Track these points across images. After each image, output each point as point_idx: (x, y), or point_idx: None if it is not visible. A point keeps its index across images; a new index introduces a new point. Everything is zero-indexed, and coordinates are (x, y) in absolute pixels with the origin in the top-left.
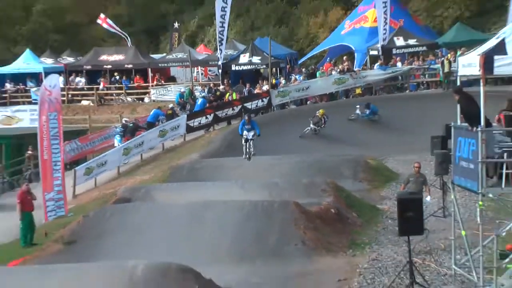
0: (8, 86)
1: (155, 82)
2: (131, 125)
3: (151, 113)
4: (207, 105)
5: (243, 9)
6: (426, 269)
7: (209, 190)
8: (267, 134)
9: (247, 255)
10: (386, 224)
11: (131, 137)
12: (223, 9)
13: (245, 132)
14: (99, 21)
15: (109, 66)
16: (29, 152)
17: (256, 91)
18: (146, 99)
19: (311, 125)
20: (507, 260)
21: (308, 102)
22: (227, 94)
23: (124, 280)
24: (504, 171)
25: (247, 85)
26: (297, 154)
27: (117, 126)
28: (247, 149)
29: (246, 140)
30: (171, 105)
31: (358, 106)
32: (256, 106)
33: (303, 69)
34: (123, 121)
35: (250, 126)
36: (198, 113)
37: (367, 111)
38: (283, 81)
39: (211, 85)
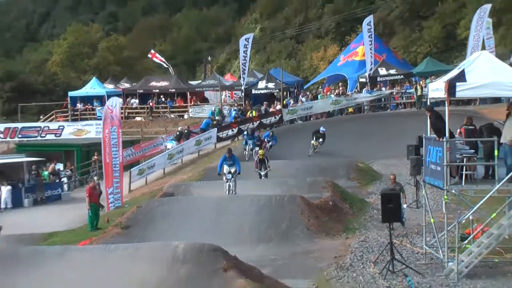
0: (79, 106)
1: (192, 103)
2: (186, 131)
3: (203, 122)
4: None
5: (261, 46)
6: (403, 249)
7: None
8: (279, 144)
9: (263, 237)
10: (372, 213)
11: (186, 140)
12: (245, 46)
13: (225, 168)
14: (149, 55)
15: (157, 90)
16: (95, 157)
17: (271, 110)
18: (186, 116)
19: (314, 140)
20: (466, 241)
21: (312, 118)
22: (248, 112)
23: (168, 257)
24: (464, 172)
25: (264, 105)
26: (302, 159)
27: (164, 137)
28: (230, 188)
29: (227, 180)
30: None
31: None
32: (270, 121)
33: (308, 93)
34: (179, 128)
35: (231, 162)
36: (226, 126)
37: (317, 141)
38: (292, 102)
39: (239, 106)
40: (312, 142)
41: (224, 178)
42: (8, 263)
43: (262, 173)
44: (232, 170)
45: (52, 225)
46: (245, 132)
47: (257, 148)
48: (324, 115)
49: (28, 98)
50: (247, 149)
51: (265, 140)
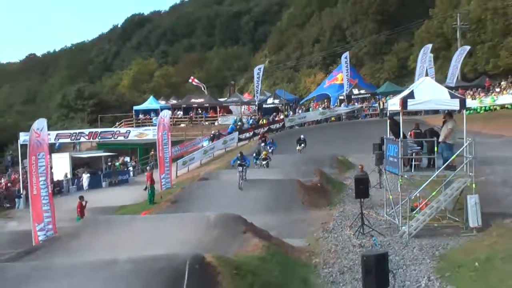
0: (140, 116)
1: (220, 114)
2: (217, 133)
3: (230, 127)
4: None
5: (269, 73)
6: (370, 217)
7: (251, 173)
8: (281, 143)
9: (271, 209)
10: (348, 192)
11: (217, 140)
12: (258, 73)
13: (237, 163)
14: (190, 80)
15: (195, 105)
16: (152, 152)
17: (276, 119)
18: (216, 123)
19: (297, 146)
20: (414, 212)
21: (305, 125)
22: (260, 120)
23: (203, 223)
24: (413, 163)
25: (272, 115)
26: (298, 154)
27: (201, 138)
28: (241, 175)
29: (239, 172)
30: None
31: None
32: (276, 126)
33: (302, 107)
34: (212, 132)
35: (243, 160)
36: (244, 130)
37: (300, 146)
38: (291, 113)
39: (254, 116)
40: (297, 148)
41: (237, 171)
42: (92, 229)
43: (264, 163)
44: (243, 163)
45: (122, 200)
46: (237, 156)
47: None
48: (314, 122)
49: (105, 111)
50: (240, 176)
51: (267, 146)
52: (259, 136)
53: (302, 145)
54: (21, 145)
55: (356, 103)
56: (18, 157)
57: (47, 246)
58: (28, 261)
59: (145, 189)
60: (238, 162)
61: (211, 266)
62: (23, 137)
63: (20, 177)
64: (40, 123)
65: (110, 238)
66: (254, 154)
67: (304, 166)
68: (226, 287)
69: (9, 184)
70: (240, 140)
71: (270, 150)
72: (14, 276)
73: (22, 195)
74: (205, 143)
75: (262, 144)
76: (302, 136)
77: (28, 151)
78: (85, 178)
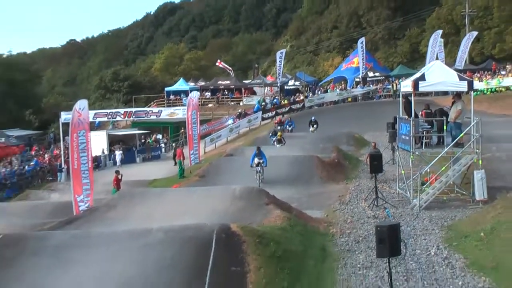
0: (171, 97)
1: (245, 95)
2: (242, 113)
3: (256, 106)
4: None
5: (290, 57)
6: (383, 190)
7: (274, 150)
8: (301, 122)
9: (292, 183)
10: (363, 168)
11: (243, 118)
12: (280, 57)
13: (255, 161)
14: (217, 63)
15: (222, 86)
16: (182, 130)
17: (297, 99)
18: (241, 103)
19: (310, 127)
20: (424, 186)
21: (324, 105)
22: (282, 100)
23: (230, 195)
24: (424, 140)
25: (293, 96)
26: (317, 132)
27: (227, 117)
28: (259, 178)
29: (257, 172)
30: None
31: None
32: (296, 106)
33: (321, 88)
34: (238, 111)
35: (260, 156)
36: (267, 110)
37: (313, 127)
38: (311, 94)
39: (276, 96)
40: (310, 129)
41: (255, 170)
42: (127, 200)
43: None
44: (260, 161)
45: (154, 174)
46: (255, 152)
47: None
48: (331, 103)
49: (138, 92)
50: (258, 176)
51: (286, 126)
52: (277, 120)
53: (315, 126)
54: (62, 123)
55: (371, 85)
56: (60, 134)
57: (86, 216)
58: (69, 230)
59: (175, 164)
60: (256, 160)
61: (237, 235)
62: (64, 116)
63: (62, 152)
64: (82, 103)
65: (143, 209)
66: (271, 134)
67: (322, 143)
68: (250, 254)
69: (51, 159)
70: (263, 119)
71: (289, 129)
72: (56, 244)
73: (63, 169)
74: (230, 122)
75: (279, 127)
76: (313, 118)
77: (70, 129)
78: (118, 154)
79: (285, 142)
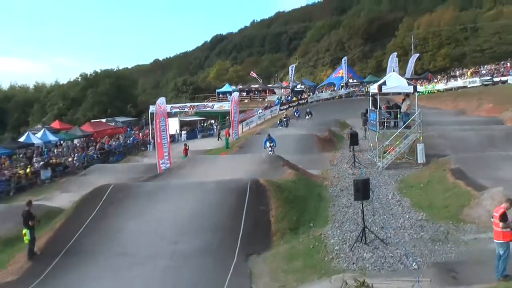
0: (220, 96)
1: (268, 94)
2: (268, 106)
3: (276, 101)
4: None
5: (298, 69)
6: (359, 157)
7: (286, 130)
8: (304, 112)
9: (298, 152)
10: (345, 142)
11: (268, 109)
12: (291, 69)
13: (267, 144)
14: (250, 74)
15: (253, 88)
16: (227, 117)
17: (302, 97)
18: (266, 100)
19: (306, 116)
20: (385, 154)
21: (320, 101)
22: (293, 97)
23: (258, 160)
24: (385, 124)
25: (300, 95)
26: (315, 119)
27: (256, 109)
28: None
29: (269, 152)
30: (281, 98)
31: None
32: (302, 102)
33: (318, 90)
34: (265, 105)
35: (271, 140)
36: (283, 104)
37: (308, 116)
38: (311, 94)
39: (289, 95)
40: (307, 118)
41: (268, 150)
42: (192, 163)
43: (269, 150)
44: (272, 144)
45: (209, 146)
46: (266, 138)
47: (270, 147)
48: (325, 100)
49: (199, 92)
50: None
51: (295, 113)
52: (284, 115)
53: (310, 115)
54: (150, 113)
55: (351, 88)
56: (149, 120)
57: (165, 173)
58: (155, 182)
59: (218, 139)
60: (268, 144)
61: (263, 186)
62: (151, 108)
63: (150, 132)
64: (162, 100)
65: (202, 169)
66: (278, 122)
67: (319, 126)
68: (272, 198)
69: (143, 136)
70: (280, 110)
71: (297, 115)
72: (147, 190)
73: (151, 142)
74: (260, 111)
75: (285, 119)
76: (308, 110)
77: (154, 117)
78: (183, 134)
79: (288, 121)
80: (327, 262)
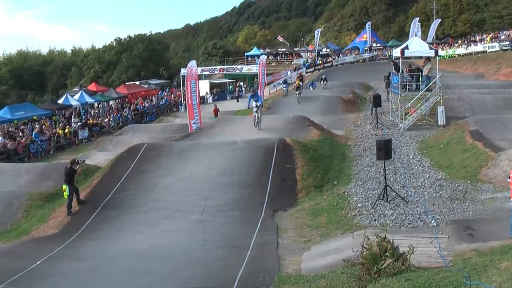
0: (249, 59)
1: (295, 57)
2: (296, 68)
3: (303, 64)
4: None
5: (324, 34)
6: (381, 118)
7: (312, 92)
8: (331, 74)
9: (323, 113)
10: (368, 103)
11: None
12: (317, 34)
13: (253, 103)
14: (277, 38)
15: (281, 52)
16: (255, 80)
17: (328, 60)
18: (292, 62)
19: (322, 83)
20: (407, 115)
21: (344, 64)
22: (319, 60)
23: (285, 120)
24: (407, 87)
25: (325, 58)
26: (338, 81)
27: (283, 71)
28: (257, 119)
29: (255, 112)
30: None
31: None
32: (328, 65)
33: (342, 54)
34: (294, 66)
35: (256, 98)
36: (310, 66)
37: (324, 82)
38: (336, 57)
39: (314, 58)
40: (322, 84)
41: (253, 110)
42: (222, 123)
43: (255, 109)
44: (258, 104)
45: (238, 107)
46: (251, 94)
47: (256, 107)
48: (349, 63)
49: (228, 55)
50: (255, 117)
51: (322, 82)
52: (297, 76)
53: (325, 82)
54: (182, 76)
55: (374, 52)
56: (180, 82)
57: (196, 132)
58: (187, 141)
59: (238, 101)
60: (254, 103)
61: (289, 145)
62: (182, 71)
63: (181, 93)
64: (192, 63)
65: (231, 128)
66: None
67: (343, 87)
68: (298, 157)
69: (175, 97)
70: (306, 72)
71: (312, 88)
72: (179, 149)
73: (182, 103)
74: (288, 73)
75: (300, 83)
76: (323, 75)
77: (186, 79)
78: (214, 96)
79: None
80: (350, 219)
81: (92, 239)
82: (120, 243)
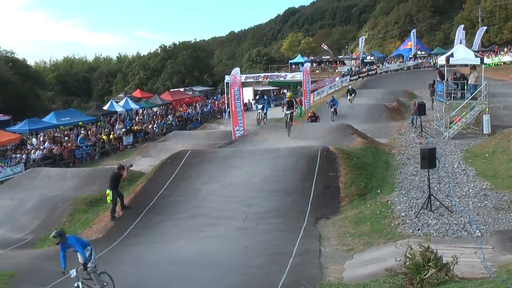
0: (293, 66)
1: (339, 65)
2: (344, 74)
3: (346, 71)
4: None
5: (368, 42)
6: (426, 127)
7: (356, 99)
8: (374, 82)
9: (367, 121)
10: (409, 114)
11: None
12: (361, 41)
13: (259, 106)
14: (322, 45)
15: (325, 60)
16: (299, 88)
17: (372, 68)
18: (336, 71)
19: (348, 96)
20: (451, 124)
21: (388, 72)
22: (363, 68)
23: (328, 128)
24: (452, 95)
25: (369, 66)
26: (383, 89)
27: (327, 78)
28: (260, 117)
29: (258, 113)
30: (352, 69)
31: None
32: (372, 73)
33: (387, 61)
34: (342, 73)
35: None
36: (354, 74)
37: (351, 96)
38: (380, 65)
39: (359, 66)
40: (348, 97)
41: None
42: (265, 130)
43: (348, 97)
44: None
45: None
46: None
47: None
48: (393, 71)
49: (272, 63)
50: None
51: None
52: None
53: (352, 94)
54: (226, 83)
55: (419, 59)
56: (224, 89)
57: (240, 139)
58: (230, 148)
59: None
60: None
61: (333, 153)
62: (227, 78)
63: (226, 100)
64: (236, 70)
65: (275, 136)
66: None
67: (387, 95)
68: (341, 165)
69: (219, 104)
70: (350, 80)
71: (260, 111)
72: (222, 155)
73: (226, 110)
74: (337, 79)
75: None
76: (350, 87)
77: (230, 86)
78: (253, 103)
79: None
80: (393, 228)
81: (135, 244)
82: (162, 248)
